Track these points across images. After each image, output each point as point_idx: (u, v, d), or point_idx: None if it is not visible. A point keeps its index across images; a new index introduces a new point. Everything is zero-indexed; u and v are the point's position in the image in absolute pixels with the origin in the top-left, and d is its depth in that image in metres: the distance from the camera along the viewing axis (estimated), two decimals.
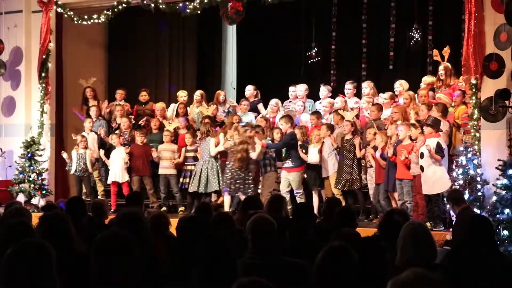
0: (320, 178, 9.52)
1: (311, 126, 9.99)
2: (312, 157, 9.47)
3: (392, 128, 8.84)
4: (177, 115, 11.12)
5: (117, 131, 10.73)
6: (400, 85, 9.93)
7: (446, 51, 9.65)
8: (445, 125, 8.61)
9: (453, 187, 7.95)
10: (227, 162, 9.63)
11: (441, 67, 9.52)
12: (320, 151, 9.44)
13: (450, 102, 9.18)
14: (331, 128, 9.55)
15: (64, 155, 10.74)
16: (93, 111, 11.18)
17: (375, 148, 8.89)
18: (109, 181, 10.46)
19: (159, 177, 10.36)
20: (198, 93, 11.30)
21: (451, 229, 7.52)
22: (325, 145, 9.43)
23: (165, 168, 10.25)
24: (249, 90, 11.02)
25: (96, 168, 10.76)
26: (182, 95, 11.33)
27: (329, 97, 10.67)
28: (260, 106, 10.93)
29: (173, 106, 11.46)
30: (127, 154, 10.25)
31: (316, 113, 10.00)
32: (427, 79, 9.84)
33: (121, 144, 10.39)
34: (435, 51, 9.85)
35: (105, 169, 10.84)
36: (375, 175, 8.94)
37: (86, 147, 10.54)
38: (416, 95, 9.55)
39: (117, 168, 10.31)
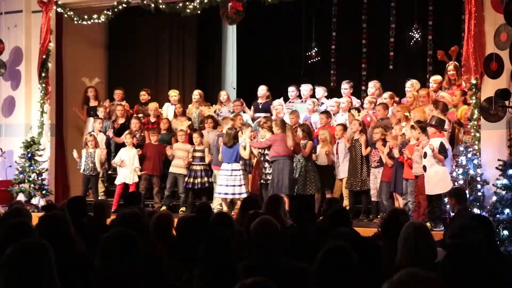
0: (327, 179, 9.48)
1: (319, 125, 9.97)
2: (319, 157, 9.49)
3: (397, 129, 8.85)
4: (175, 115, 11.13)
5: (129, 131, 10.62)
6: (411, 85, 9.84)
7: (453, 50, 9.48)
8: (446, 124, 8.62)
9: (453, 187, 7.94)
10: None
11: (451, 67, 9.41)
12: (336, 152, 9.43)
13: (452, 102, 9.17)
14: (346, 128, 9.54)
15: (74, 154, 10.71)
16: (101, 112, 11.17)
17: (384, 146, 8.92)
18: (118, 182, 10.43)
19: (168, 175, 10.34)
20: (196, 93, 11.29)
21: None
22: (340, 146, 9.42)
23: (177, 167, 10.24)
24: (263, 90, 10.95)
25: (105, 168, 10.75)
26: (173, 94, 11.34)
27: (325, 96, 10.67)
28: (272, 107, 10.86)
29: (166, 105, 11.46)
30: (138, 155, 10.26)
31: (326, 113, 9.98)
32: (437, 78, 9.76)
33: (133, 145, 10.40)
34: (440, 52, 9.71)
35: (106, 170, 10.84)
36: (382, 172, 8.94)
37: (95, 146, 10.53)
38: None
39: (127, 169, 10.30)
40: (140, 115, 11.16)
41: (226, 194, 9.60)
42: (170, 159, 10.32)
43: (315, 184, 9.26)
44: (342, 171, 9.42)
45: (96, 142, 10.57)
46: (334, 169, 9.61)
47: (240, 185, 9.54)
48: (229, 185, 9.55)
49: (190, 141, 10.48)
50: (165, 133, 10.73)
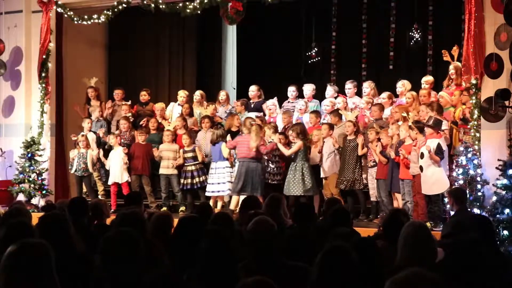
0: (319, 178, 9.50)
1: (310, 125, 10.00)
2: (313, 157, 9.48)
3: (393, 128, 8.85)
4: (182, 115, 11.12)
5: (116, 131, 10.72)
6: (403, 85, 9.92)
7: (455, 50, 9.58)
8: (445, 124, 8.63)
9: (453, 187, 7.93)
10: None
11: (451, 67, 9.44)
12: (320, 151, 9.43)
13: (451, 102, 9.18)
14: (332, 128, 9.55)
15: (71, 154, 10.73)
16: (94, 112, 11.17)
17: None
18: (109, 182, 10.46)
19: (160, 177, 10.35)
20: (198, 94, 11.27)
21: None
22: (326, 145, 9.42)
23: (167, 168, 10.23)
24: (253, 90, 10.96)
25: (96, 168, 10.76)
26: (182, 94, 11.30)
27: (335, 97, 10.67)
28: (265, 107, 10.91)
29: (171, 105, 11.45)
30: (125, 154, 10.25)
31: (315, 113, 10.01)
32: (429, 79, 9.81)
33: (119, 144, 10.40)
34: (445, 51, 9.74)
35: (104, 169, 10.84)
36: (376, 170, 8.95)
37: (87, 147, 10.54)
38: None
39: (117, 168, 10.32)
40: (129, 114, 11.11)
41: (212, 192, 9.83)
42: (157, 161, 10.30)
43: (299, 186, 9.18)
44: (325, 170, 9.41)
45: (88, 142, 10.58)
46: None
47: (224, 183, 9.73)
48: (214, 183, 9.81)
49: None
50: (155, 133, 10.71)
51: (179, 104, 11.26)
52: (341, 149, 9.36)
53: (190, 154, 10.14)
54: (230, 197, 9.77)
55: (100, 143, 10.90)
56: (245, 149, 9.37)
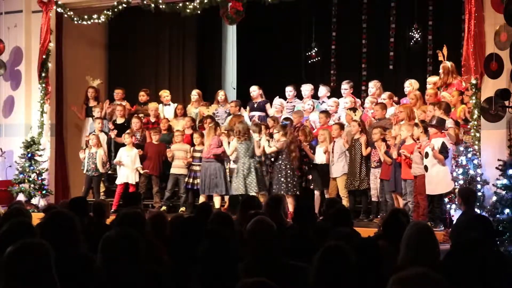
0: (327, 179, 9.50)
1: (319, 125, 10.01)
2: (318, 157, 9.48)
3: (396, 128, 8.85)
4: (175, 115, 11.13)
5: (128, 131, 10.68)
6: (410, 85, 9.95)
7: (445, 50, 9.65)
8: (450, 122, 8.63)
9: (464, 186, 7.92)
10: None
11: (440, 66, 9.52)
12: (332, 151, 9.42)
13: (451, 102, 9.19)
14: (343, 127, 9.54)
15: (81, 155, 10.71)
16: (97, 113, 11.17)
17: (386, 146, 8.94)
18: (118, 182, 10.44)
19: (169, 176, 10.34)
20: (195, 93, 11.30)
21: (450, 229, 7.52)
22: (336, 145, 9.42)
23: (178, 168, 10.24)
24: (255, 90, 11.00)
25: (107, 168, 10.75)
26: (165, 95, 11.37)
27: (328, 96, 10.68)
28: (268, 106, 10.91)
29: (160, 107, 11.45)
30: (141, 166, 10.29)
31: (325, 112, 10.01)
32: (432, 79, 9.83)
33: (133, 144, 10.40)
34: (439, 52, 9.79)
35: (110, 166, 10.85)
36: (380, 171, 8.95)
37: (97, 146, 10.52)
38: (423, 95, 9.55)
39: (128, 169, 10.31)
40: (141, 115, 11.15)
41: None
42: (170, 161, 10.31)
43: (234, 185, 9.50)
44: (335, 170, 9.41)
45: (99, 142, 10.57)
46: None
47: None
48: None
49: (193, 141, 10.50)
50: (165, 133, 10.73)
51: (164, 104, 11.29)
52: (348, 149, 9.37)
53: (198, 154, 10.16)
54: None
55: (110, 143, 10.91)
56: (205, 150, 9.88)
